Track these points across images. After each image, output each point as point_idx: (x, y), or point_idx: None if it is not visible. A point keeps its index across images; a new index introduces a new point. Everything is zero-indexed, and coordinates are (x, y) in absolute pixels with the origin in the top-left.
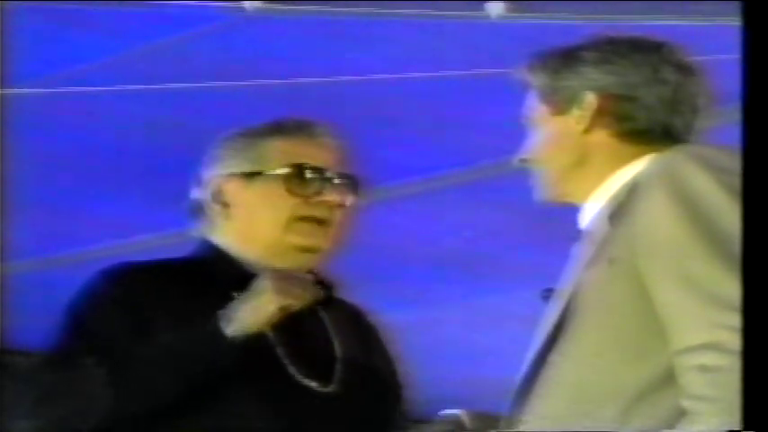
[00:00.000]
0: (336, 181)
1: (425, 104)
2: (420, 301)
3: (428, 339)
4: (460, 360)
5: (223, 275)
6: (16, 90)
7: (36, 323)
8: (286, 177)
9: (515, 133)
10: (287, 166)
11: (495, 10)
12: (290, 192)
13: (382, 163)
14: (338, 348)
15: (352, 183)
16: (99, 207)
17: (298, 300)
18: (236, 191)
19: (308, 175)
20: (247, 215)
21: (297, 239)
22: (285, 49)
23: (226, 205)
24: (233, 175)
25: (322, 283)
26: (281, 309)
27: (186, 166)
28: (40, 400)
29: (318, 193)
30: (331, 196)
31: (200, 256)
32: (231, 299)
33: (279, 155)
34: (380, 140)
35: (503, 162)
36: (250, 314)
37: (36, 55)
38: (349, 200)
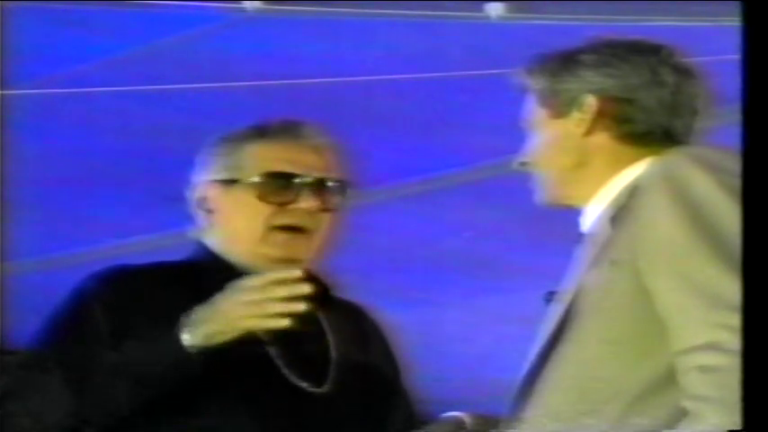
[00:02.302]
0: (323, 184)
1: (425, 104)
2: (420, 301)
3: (428, 339)
4: (460, 360)
5: (216, 278)
6: (16, 90)
7: (36, 323)
8: (259, 186)
9: (515, 134)
10: (259, 174)
11: (494, 11)
12: (264, 200)
13: (382, 163)
14: (334, 348)
15: (338, 185)
16: (99, 207)
17: (272, 322)
18: (216, 198)
19: (282, 182)
20: (228, 224)
21: (273, 251)
22: (285, 49)
23: (210, 212)
24: (214, 181)
25: (317, 282)
26: (248, 330)
27: (186, 167)
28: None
29: (294, 200)
30: (307, 203)
31: (195, 258)
32: None
33: (255, 161)
34: (380, 141)
35: (503, 162)
36: (211, 330)
37: (36, 55)
38: (332, 203)
